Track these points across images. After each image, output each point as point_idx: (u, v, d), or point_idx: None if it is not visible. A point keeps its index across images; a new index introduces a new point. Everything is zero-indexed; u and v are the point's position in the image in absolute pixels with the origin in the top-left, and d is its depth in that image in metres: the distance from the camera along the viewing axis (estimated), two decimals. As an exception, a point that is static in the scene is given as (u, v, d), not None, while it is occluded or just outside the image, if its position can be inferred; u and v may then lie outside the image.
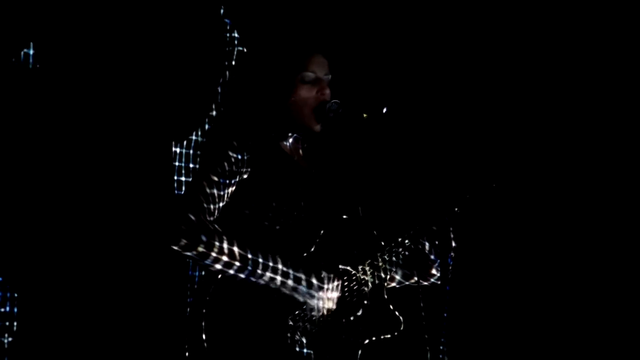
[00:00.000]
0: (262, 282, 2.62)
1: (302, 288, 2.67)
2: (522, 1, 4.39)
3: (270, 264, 2.63)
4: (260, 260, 2.62)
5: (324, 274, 2.72)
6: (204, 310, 2.62)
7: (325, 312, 2.72)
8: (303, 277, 2.68)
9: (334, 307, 2.74)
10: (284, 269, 2.65)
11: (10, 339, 3.53)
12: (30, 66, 3.56)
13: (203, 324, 2.61)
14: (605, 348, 4.27)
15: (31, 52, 3.55)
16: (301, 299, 2.69)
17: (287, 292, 2.66)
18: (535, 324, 4.40)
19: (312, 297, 2.69)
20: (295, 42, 2.89)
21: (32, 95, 3.54)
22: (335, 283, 2.74)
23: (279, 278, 2.64)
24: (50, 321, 3.55)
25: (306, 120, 2.82)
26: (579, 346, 4.31)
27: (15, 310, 3.54)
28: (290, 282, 2.66)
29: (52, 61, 3.58)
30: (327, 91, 2.83)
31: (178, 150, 3.86)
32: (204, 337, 2.60)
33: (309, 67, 2.82)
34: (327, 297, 2.71)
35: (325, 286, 2.71)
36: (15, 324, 3.54)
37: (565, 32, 4.34)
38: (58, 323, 3.55)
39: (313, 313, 2.70)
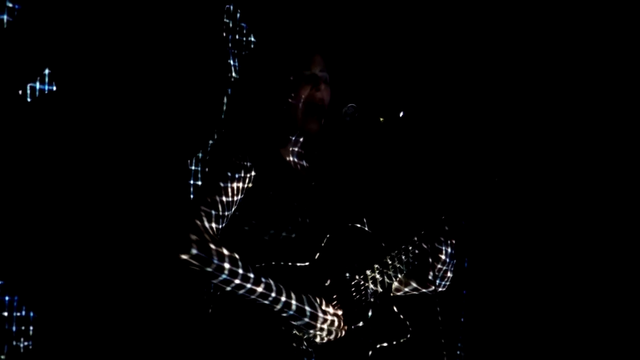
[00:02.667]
0: (264, 305, 2.61)
1: (298, 320, 2.65)
2: (531, 3, 4.39)
3: (274, 293, 2.61)
4: (273, 289, 2.60)
5: (322, 306, 2.70)
6: (209, 311, 2.62)
7: (325, 339, 2.70)
8: (306, 308, 2.65)
9: (336, 335, 2.72)
10: (287, 299, 2.63)
11: (26, 344, 3.54)
12: (48, 77, 3.59)
13: (207, 323, 2.62)
14: (623, 350, 4.25)
15: (47, 72, 3.59)
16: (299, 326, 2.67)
17: (286, 318, 2.65)
18: (551, 327, 4.38)
19: (309, 328, 2.67)
20: (293, 44, 2.89)
21: (52, 116, 3.57)
22: (334, 320, 2.71)
23: (279, 307, 2.62)
24: (65, 325, 3.56)
25: (301, 118, 2.81)
26: (596, 350, 4.29)
27: (32, 314, 3.55)
28: (290, 312, 2.64)
29: (69, 70, 3.60)
30: (322, 86, 2.81)
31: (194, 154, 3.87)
32: (209, 337, 2.60)
33: (305, 66, 2.82)
34: (326, 331, 2.69)
35: (320, 321, 2.68)
36: (31, 328, 3.55)
37: (568, 32, 4.34)
38: (73, 327, 3.56)
39: (312, 338, 2.69)
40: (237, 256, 2.56)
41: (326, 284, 2.73)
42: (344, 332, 2.71)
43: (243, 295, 2.57)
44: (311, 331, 2.65)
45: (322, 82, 2.82)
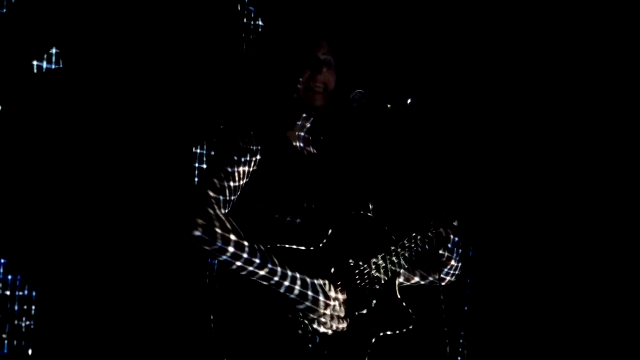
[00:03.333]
0: (271, 282, 2.60)
1: (306, 303, 2.64)
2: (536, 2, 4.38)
3: (279, 269, 2.60)
4: (277, 268, 2.59)
5: (328, 291, 2.69)
6: (214, 296, 2.62)
7: (331, 326, 2.69)
8: (310, 293, 2.64)
9: (341, 323, 2.70)
10: (288, 273, 2.62)
11: (27, 323, 3.54)
12: (54, 67, 3.59)
13: (212, 312, 2.60)
14: (623, 343, 4.24)
15: (54, 51, 3.58)
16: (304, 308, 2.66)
17: (292, 297, 2.64)
18: (555, 320, 4.38)
19: (312, 312, 2.66)
20: (298, 28, 2.89)
21: (58, 95, 3.57)
22: (339, 302, 2.70)
23: (282, 290, 2.61)
24: (67, 304, 3.56)
25: (304, 100, 2.81)
26: (597, 342, 4.28)
27: (34, 294, 3.55)
28: (295, 292, 2.63)
29: (74, 63, 3.60)
30: (324, 69, 2.81)
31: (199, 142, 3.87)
32: (212, 325, 2.59)
33: (309, 49, 2.82)
34: (329, 316, 2.68)
35: (332, 303, 2.67)
36: (33, 307, 3.55)
37: (576, 36, 4.33)
38: (75, 306, 3.56)
39: (316, 325, 2.67)
40: (246, 243, 2.56)
41: (331, 271, 2.73)
42: (345, 323, 2.70)
43: (246, 276, 2.57)
44: (314, 315, 2.64)
45: (324, 65, 2.82)
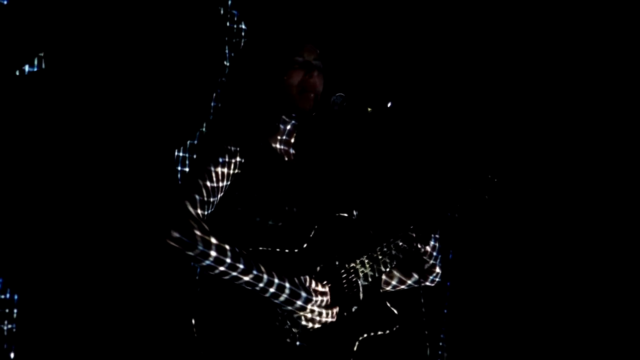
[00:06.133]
0: (255, 288, 2.61)
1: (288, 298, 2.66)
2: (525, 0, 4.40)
3: (263, 272, 2.61)
4: (262, 274, 2.60)
5: (315, 286, 2.70)
6: (196, 300, 2.63)
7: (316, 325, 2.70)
8: (289, 286, 2.65)
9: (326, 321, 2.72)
10: (275, 279, 2.63)
11: (10, 326, 3.53)
12: (37, 69, 3.58)
13: (194, 316, 2.61)
14: (605, 347, 4.26)
15: (39, 56, 3.58)
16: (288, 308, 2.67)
17: (274, 299, 2.65)
18: (534, 322, 4.39)
19: (300, 309, 2.68)
20: (288, 32, 2.93)
21: (39, 97, 3.56)
22: (325, 296, 2.72)
23: (271, 288, 2.63)
24: (50, 309, 3.56)
25: (296, 102, 2.81)
26: (578, 345, 4.30)
27: (16, 297, 3.54)
28: (280, 292, 2.64)
29: (57, 62, 3.60)
30: (316, 73, 2.82)
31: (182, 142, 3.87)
32: (194, 329, 2.60)
33: (299, 53, 2.83)
34: (317, 311, 2.70)
35: (314, 299, 2.69)
36: (15, 311, 3.54)
37: (565, 32, 4.34)
38: (59, 311, 3.56)
39: (304, 322, 2.69)
40: (227, 247, 2.57)
41: (317, 270, 2.74)
42: (335, 313, 2.71)
43: (230, 281, 2.58)
44: (302, 314, 2.65)
45: (316, 69, 2.83)
